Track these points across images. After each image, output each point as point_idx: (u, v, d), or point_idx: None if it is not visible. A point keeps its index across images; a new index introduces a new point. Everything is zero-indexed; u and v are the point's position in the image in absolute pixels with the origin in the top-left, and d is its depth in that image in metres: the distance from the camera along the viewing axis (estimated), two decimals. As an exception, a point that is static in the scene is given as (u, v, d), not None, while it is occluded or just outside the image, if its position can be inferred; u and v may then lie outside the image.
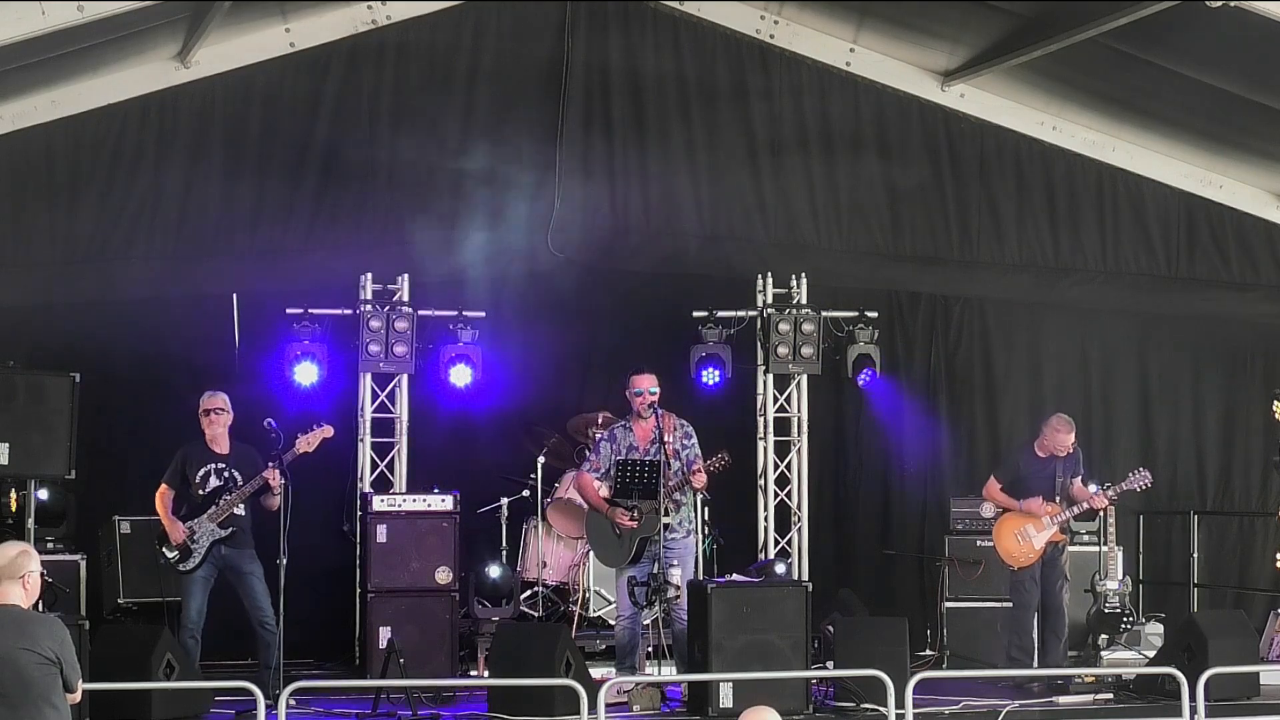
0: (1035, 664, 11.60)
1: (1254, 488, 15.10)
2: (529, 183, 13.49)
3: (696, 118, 13.86)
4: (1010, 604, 12.00)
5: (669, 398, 11.23)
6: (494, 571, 12.52)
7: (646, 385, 10.96)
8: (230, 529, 10.69)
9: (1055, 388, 14.39)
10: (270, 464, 10.62)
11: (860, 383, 13.60)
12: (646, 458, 10.88)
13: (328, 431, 10.88)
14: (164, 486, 10.84)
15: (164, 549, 10.76)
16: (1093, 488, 11.91)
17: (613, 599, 11.75)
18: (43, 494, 11.76)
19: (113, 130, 12.81)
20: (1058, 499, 11.79)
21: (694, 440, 11.07)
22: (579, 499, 11.72)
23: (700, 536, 12.63)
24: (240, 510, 10.76)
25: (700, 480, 10.81)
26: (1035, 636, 11.76)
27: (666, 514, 10.74)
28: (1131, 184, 14.68)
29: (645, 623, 10.97)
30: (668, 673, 10.80)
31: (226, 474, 10.81)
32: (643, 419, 11.02)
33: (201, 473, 10.80)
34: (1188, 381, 15.05)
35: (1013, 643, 11.79)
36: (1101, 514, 12.66)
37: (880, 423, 14.20)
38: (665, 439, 10.84)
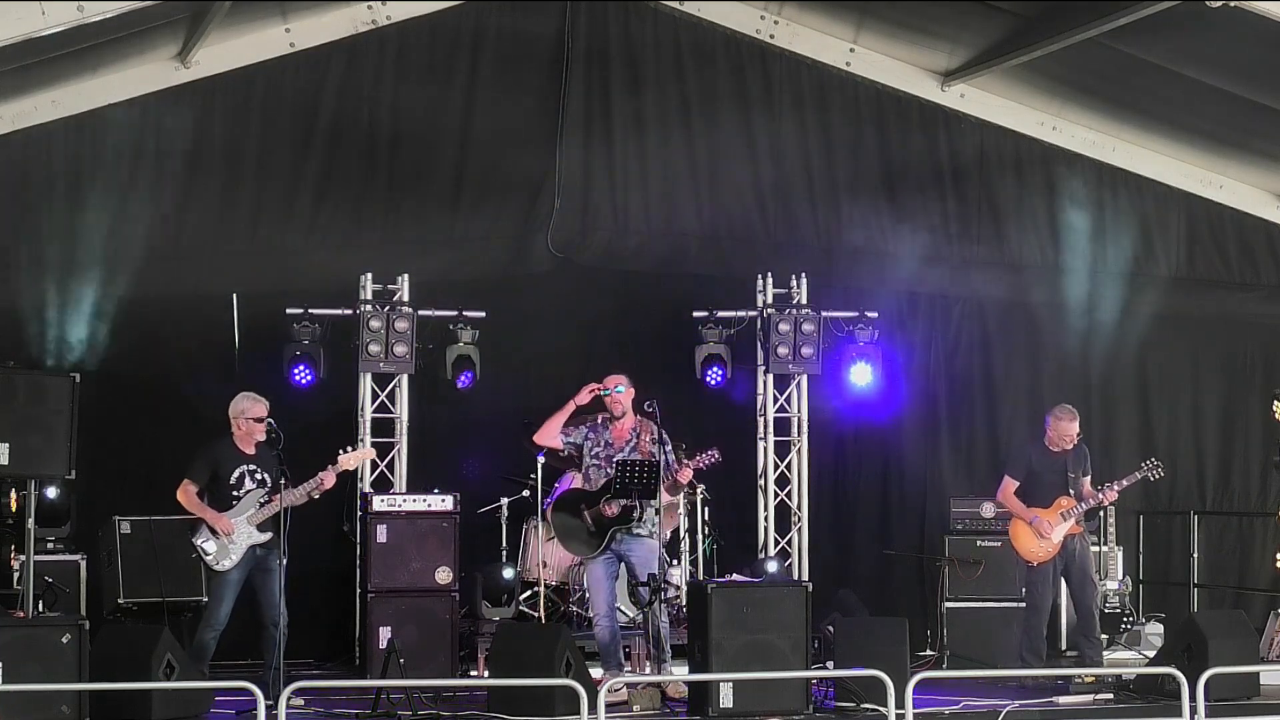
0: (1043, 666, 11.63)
1: (1254, 488, 15.11)
2: (529, 183, 13.51)
3: (696, 118, 13.87)
4: (1024, 605, 11.99)
5: (668, 398, 11.19)
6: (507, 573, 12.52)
7: (613, 385, 10.90)
8: (268, 533, 10.55)
9: (1055, 388, 14.36)
10: (329, 466, 10.58)
11: (857, 383, 13.59)
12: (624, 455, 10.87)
13: (370, 453, 10.97)
14: (188, 483, 10.59)
15: (201, 543, 10.54)
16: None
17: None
18: (50, 493, 11.77)
19: (113, 130, 12.81)
20: (1071, 492, 11.77)
21: (669, 447, 10.91)
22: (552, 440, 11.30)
23: (701, 536, 12.65)
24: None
25: (685, 475, 10.85)
26: (1045, 638, 11.77)
27: (644, 511, 10.73)
28: (1131, 184, 14.69)
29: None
30: (681, 674, 10.77)
31: (259, 475, 10.67)
32: (616, 420, 10.99)
33: (236, 474, 10.63)
34: (1188, 381, 15.05)
35: (1024, 644, 11.75)
36: (1101, 514, 12.64)
37: (880, 423, 14.19)
38: (643, 438, 10.81)
